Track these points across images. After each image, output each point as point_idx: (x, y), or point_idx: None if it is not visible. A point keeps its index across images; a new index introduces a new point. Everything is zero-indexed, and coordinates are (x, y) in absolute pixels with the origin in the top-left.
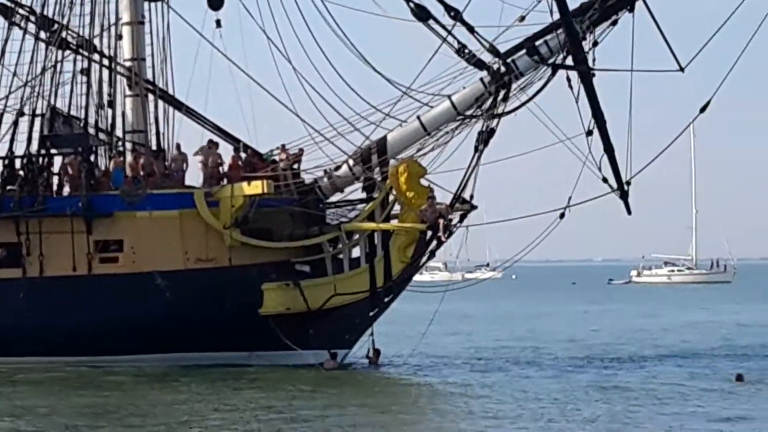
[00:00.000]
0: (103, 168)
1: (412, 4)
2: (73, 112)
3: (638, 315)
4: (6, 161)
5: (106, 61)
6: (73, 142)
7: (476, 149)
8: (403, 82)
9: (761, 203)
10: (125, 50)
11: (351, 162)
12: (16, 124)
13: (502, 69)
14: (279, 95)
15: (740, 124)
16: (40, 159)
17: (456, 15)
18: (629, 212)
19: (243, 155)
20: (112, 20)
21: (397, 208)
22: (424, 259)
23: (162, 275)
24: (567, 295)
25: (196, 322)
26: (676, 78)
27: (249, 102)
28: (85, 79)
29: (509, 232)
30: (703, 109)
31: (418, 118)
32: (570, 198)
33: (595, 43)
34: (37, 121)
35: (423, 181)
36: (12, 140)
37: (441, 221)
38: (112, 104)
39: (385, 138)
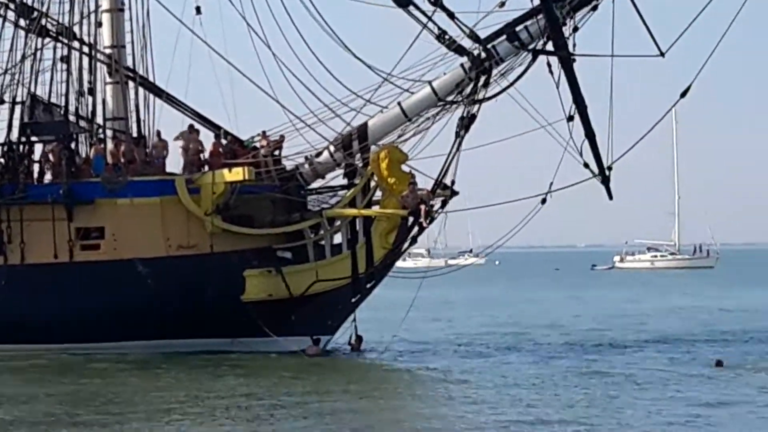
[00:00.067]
0: (83, 155)
1: None
2: (53, 100)
3: (621, 300)
4: None
5: (86, 49)
6: (54, 129)
7: (457, 135)
8: (383, 68)
9: (744, 189)
10: (105, 37)
11: (332, 148)
12: None
13: (483, 55)
14: (259, 82)
15: (722, 109)
16: (21, 146)
17: (436, 1)
18: (611, 197)
19: (224, 142)
20: (92, 7)
21: (378, 194)
22: (406, 245)
23: (143, 262)
24: (550, 281)
25: (177, 309)
26: (656, 63)
27: (229, 89)
28: (65, 66)
29: (492, 218)
30: (683, 94)
31: (399, 104)
32: (551, 183)
33: (576, 29)
34: (18, 109)
35: (404, 167)
36: None
37: (422, 207)
38: (92, 91)
39: (365, 124)
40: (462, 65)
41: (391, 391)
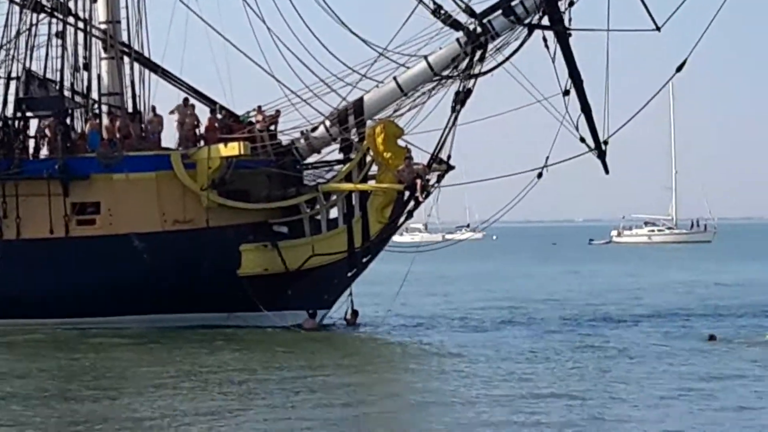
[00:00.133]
0: (79, 131)
1: None
2: (48, 75)
3: (617, 275)
4: None
5: (81, 24)
6: (49, 104)
7: (453, 110)
8: (379, 43)
9: (742, 163)
10: (100, 13)
11: (328, 123)
12: None
13: (478, 29)
14: (255, 57)
15: (720, 83)
16: (16, 122)
17: None
18: (607, 172)
19: (219, 117)
20: None
21: (374, 168)
22: (402, 219)
23: (139, 237)
24: (547, 255)
25: (173, 284)
26: (652, 38)
27: (225, 64)
28: (60, 42)
29: (489, 193)
30: (679, 69)
31: (395, 78)
32: (547, 158)
33: (571, 3)
34: (13, 84)
35: (400, 142)
36: None
37: (418, 181)
38: (87, 67)
39: (361, 99)
40: (458, 40)
41: (385, 365)
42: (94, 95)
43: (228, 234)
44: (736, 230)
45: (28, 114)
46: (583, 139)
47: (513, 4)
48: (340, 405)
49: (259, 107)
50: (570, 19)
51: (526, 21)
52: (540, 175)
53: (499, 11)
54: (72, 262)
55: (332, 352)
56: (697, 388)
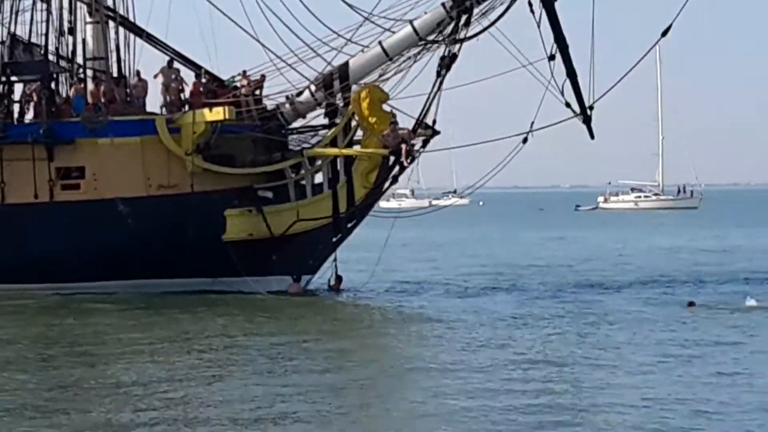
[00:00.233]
0: (63, 95)
1: None
2: (33, 40)
3: (602, 241)
4: None
5: None
6: (34, 69)
7: (438, 74)
8: (364, 7)
9: (729, 129)
10: None
11: (313, 88)
12: None
13: None
14: (240, 21)
15: (707, 48)
16: (1, 86)
17: None
18: (592, 137)
19: (204, 81)
20: None
21: (359, 133)
22: (387, 184)
23: (124, 202)
24: (533, 221)
25: (158, 249)
26: (639, 1)
27: (210, 28)
28: (45, 6)
29: (476, 159)
30: (664, 33)
31: (380, 43)
32: (532, 123)
33: None
34: None
35: (385, 107)
36: None
37: (403, 146)
38: (72, 31)
39: (347, 64)
40: (443, 4)
41: (366, 331)
42: (79, 60)
43: (213, 199)
44: (723, 196)
45: (13, 78)
46: (568, 104)
47: None
48: (319, 371)
49: (244, 72)
50: None
51: None
52: (525, 140)
53: None
54: (57, 227)
55: (314, 317)
56: (676, 354)
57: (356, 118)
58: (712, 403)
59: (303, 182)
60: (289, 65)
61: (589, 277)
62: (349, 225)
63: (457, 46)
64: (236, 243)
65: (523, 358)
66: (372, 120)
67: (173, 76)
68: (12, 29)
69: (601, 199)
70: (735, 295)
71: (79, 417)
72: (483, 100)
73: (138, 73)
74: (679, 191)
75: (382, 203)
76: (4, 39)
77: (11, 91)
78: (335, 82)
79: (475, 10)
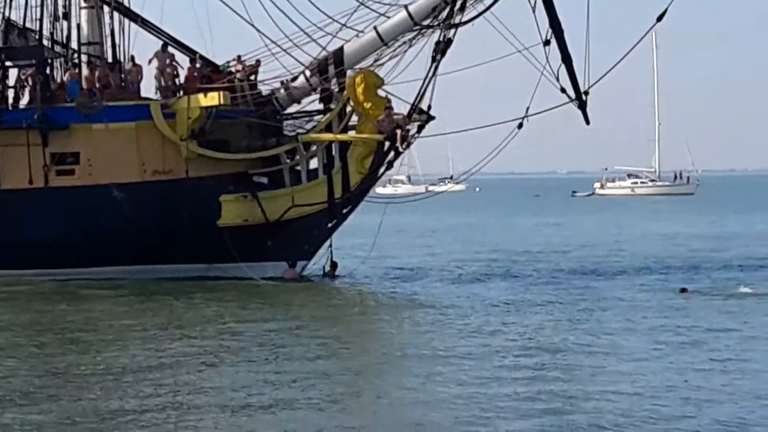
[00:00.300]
0: (58, 80)
1: None
2: (28, 25)
3: (598, 227)
4: None
5: None
6: (29, 54)
7: (433, 60)
8: None
9: (726, 115)
10: None
11: (308, 73)
12: None
13: None
14: (235, 6)
15: (704, 33)
16: None
17: None
18: (587, 122)
19: (198, 66)
20: None
21: (354, 119)
22: (382, 169)
23: (119, 187)
24: (529, 207)
25: (153, 235)
26: None
27: (205, 13)
28: None
29: (472, 145)
30: (659, 18)
31: (375, 28)
32: (528, 108)
33: None
34: None
35: (380, 92)
36: None
37: (398, 132)
38: (67, 16)
39: (341, 49)
40: None
41: (359, 318)
42: (74, 45)
43: (208, 184)
44: (720, 182)
45: (8, 63)
46: (563, 90)
47: None
48: (311, 358)
49: (239, 57)
50: None
51: None
52: (520, 126)
53: None
54: (51, 213)
55: (308, 304)
56: (669, 340)
57: (351, 103)
58: (703, 390)
59: (298, 168)
60: (284, 50)
61: (583, 263)
62: (345, 210)
63: (453, 31)
64: (231, 229)
65: (515, 345)
66: (367, 105)
67: (168, 61)
68: (6, 14)
69: (597, 185)
70: (729, 282)
71: (69, 403)
72: (478, 86)
73: (133, 59)
74: (675, 177)
75: (379, 189)
76: None
77: (6, 77)
78: (330, 68)
79: None
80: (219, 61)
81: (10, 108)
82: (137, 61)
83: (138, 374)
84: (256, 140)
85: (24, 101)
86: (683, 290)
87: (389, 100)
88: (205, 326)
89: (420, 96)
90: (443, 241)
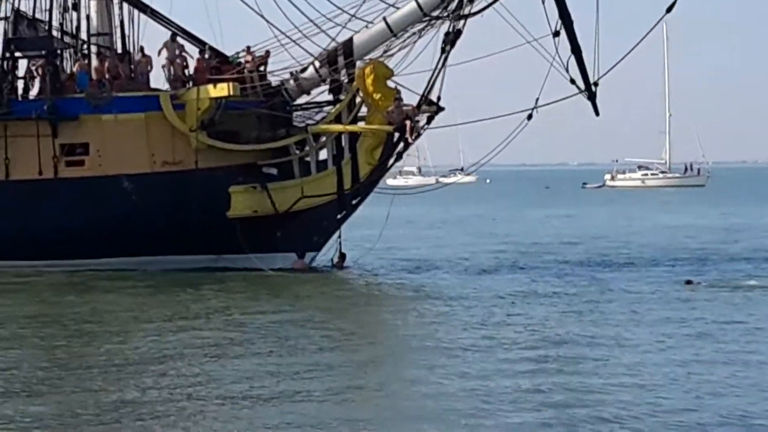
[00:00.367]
0: (68, 71)
1: None
2: (37, 15)
3: (607, 219)
4: None
5: None
6: (38, 45)
7: (443, 51)
8: None
9: (737, 107)
10: None
11: (317, 64)
12: None
13: None
14: None
15: (715, 25)
16: (5, 62)
17: None
18: (597, 113)
19: (207, 57)
20: None
21: (364, 110)
22: (392, 161)
23: (128, 178)
24: (539, 199)
25: (162, 226)
26: None
27: (214, 4)
28: None
29: (483, 137)
30: (669, 9)
31: (384, 19)
32: (537, 99)
33: None
34: (2, 25)
35: (390, 83)
36: None
37: (408, 123)
38: (76, 7)
39: (351, 40)
40: None
41: (365, 309)
42: (83, 35)
43: (217, 175)
44: (731, 174)
45: (17, 54)
46: (573, 81)
47: None
48: (315, 350)
49: (249, 48)
50: None
51: None
52: (530, 117)
53: None
54: (61, 204)
55: (315, 295)
56: (674, 332)
57: (360, 94)
58: (707, 383)
59: (307, 159)
60: (294, 41)
61: (592, 255)
62: (354, 202)
63: (462, 22)
64: (241, 220)
65: (519, 337)
66: (376, 96)
67: (177, 51)
68: (16, 5)
69: (607, 176)
70: (737, 274)
71: (71, 395)
72: (488, 77)
73: (142, 49)
74: (686, 169)
75: (389, 181)
76: (9, 15)
77: (15, 67)
78: (339, 59)
79: None
80: (228, 53)
81: (20, 99)
82: (147, 52)
83: (140, 366)
84: (266, 131)
85: (33, 92)
86: (688, 282)
87: (398, 91)
88: (211, 317)
89: (429, 87)
90: (452, 232)
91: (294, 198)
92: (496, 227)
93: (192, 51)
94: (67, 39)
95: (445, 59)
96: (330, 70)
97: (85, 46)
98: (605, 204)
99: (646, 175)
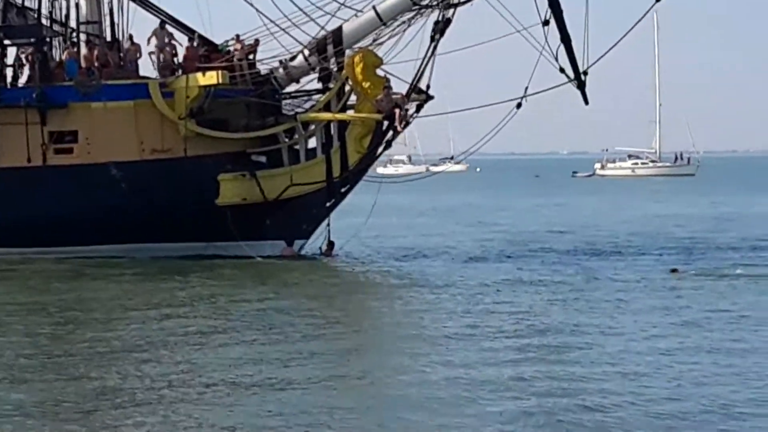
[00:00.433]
0: (57, 59)
1: None
2: (26, 3)
3: (597, 207)
4: None
5: None
6: (27, 32)
7: (432, 39)
8: None
9: (728, 96)
10: None
11: (306, 52)
12: None
13: None
14: None
15: (705, 14)
16: None
17: None
18: (586, 102)
19: (196, 45)
20: None
21: (353, 98)
22: (381, 149)
23: (117, 166)
24: (528, 187)
25: (151, 213)
26: None
27: None
28: None
29: (473, 126)
30: None
31: (374, 8)
32: (526, 88)
33: None
34: None
35: (379, 72)
36: None
37: (397, 111)
38: None
39: (340, 28)
40: None
41: (351, 297)
42: (73, 23)
43: (206, 163)
44: (721, 163)
45: (6, 42)
46: (562, 70)
47: None
48: (300, 338)
49: (238, 36)
50: None
51: None
52: (519, 105)
53: None
54: (50, 191)
55: (303, 284)
56: (658, 321)
57: (350, 82)
58: (690, 371)
59: (296, 147)
60: (283, 30)
61: (581, 243)
62: (343, 190)
63: (451, 10)
64: (230, 207)
65: (504, 325)
66: (365, 85)
67: (166, 39)
68: None
69: (598, 165)
70: (724, 262)
71: (54, 383)
72: (478, 66)
73: (131, 37)
74: (676, 158)
75: (380, 169)
76: None
77: (4, 55)
78: (329, 47)
79: None
80: (217, 41)
81: (9, 86)
82: (136, 40)
83: (123, 353)
84: (255, 119)
85: (22, 80)
86: (674, 270)
87: (388, 80)
88: (197, 305)
89: (419, 75)
90: (442, 221)
91: (283, 186)
92: (486, 216)
93: (181, 39)
94: (56, 27)
95: (435, 48)
96: (319, 59)
97: (74, 34)
98: (595, 193)
99: (636, 164)
